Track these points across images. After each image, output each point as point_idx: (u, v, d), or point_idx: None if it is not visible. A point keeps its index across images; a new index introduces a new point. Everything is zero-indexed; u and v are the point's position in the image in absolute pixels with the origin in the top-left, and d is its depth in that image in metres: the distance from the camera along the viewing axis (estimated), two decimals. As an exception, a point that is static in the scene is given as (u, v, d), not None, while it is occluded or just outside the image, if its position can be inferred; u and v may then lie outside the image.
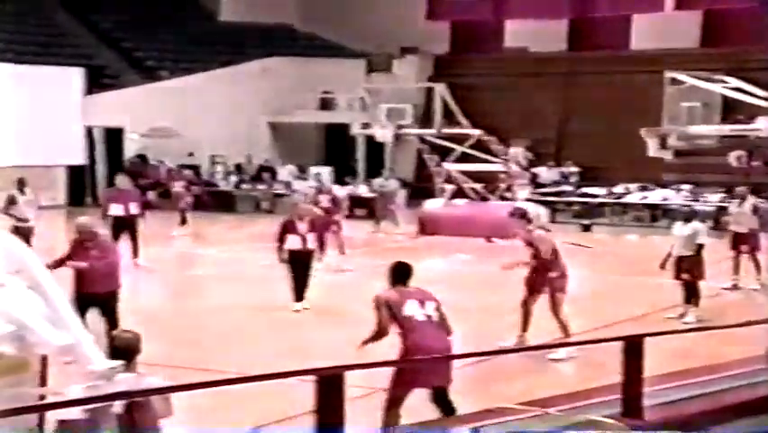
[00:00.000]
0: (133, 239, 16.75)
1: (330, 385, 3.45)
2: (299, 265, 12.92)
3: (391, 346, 6.95)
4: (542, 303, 10.62)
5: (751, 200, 15.94)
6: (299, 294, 12.86)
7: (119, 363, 4.46)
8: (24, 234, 15.50)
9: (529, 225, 11.05)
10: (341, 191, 21.05)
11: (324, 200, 17.71)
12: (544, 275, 10.55)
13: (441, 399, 6.82)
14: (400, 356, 6.83)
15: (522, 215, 11.41)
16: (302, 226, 13.03)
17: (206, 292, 14.72)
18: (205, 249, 20.23)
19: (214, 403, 7.11)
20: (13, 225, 15.56)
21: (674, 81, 23.57)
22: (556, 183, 28.14)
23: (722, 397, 4.92)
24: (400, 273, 7.27)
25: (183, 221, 21.99)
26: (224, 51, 31.61)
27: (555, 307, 10.42)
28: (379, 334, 7.02)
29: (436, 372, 6.89)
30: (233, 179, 30.03)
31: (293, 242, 12.92)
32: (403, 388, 6.78)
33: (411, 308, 6.98)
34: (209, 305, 13.39)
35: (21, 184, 16.47)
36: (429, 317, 6.99)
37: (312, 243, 13.02)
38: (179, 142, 29.01)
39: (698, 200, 24.31)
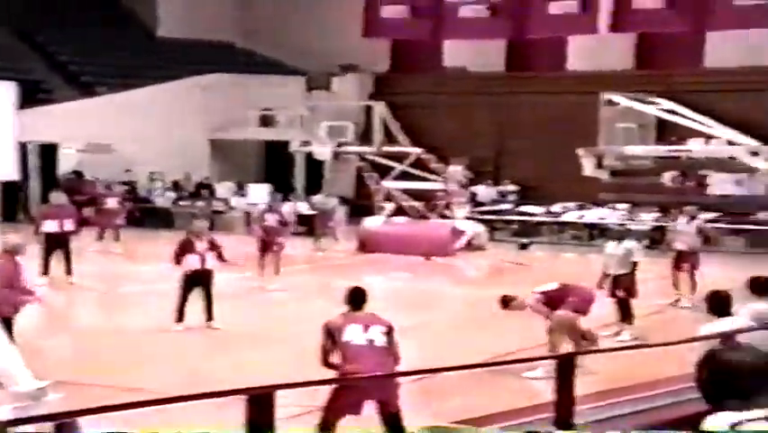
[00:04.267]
0: (67, 257, 16.47)
1: (260, 404, 3.42)
2: (196, 286, 12.74)
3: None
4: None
5: (697, 220, 16.40)
6: (181, 315, 12.68)
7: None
8: None
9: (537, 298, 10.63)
10: (289, 211, 20.86)
11: (272, 219, 17.54)
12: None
13: (391, 424, 6.71)
14: (336, 390, 6.75)
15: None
16: (200, 245, 12.88)
17: (140, 309, 14.52)
18: (140, 265, 19.97)
19: (152, 424, 6.99)
20: None
21: (610, 102, 23.98)
22: (495, 202, 28.35)
23: (651, 415, 4.99)
24: (354, 298, 7.26)
25: (108, 237, 21.77)
26: (162, 67, 31.31)
27: (557, 329, 10.28)
28: (323, 360, 6.98)
29: (371, 397, 6.75)
30: (171, 195, 29.73)
31: (191, 261, 12.76)
32: (334, 413, 6.69)
33: (351, 334, 6.91)
34: (142, 322, 13.21)
35: None
36: (371, 341, 6.91)
37: (211, 261, 12.88)
38: (116, 158, 28.67)
39: (633, 219, 24.69)
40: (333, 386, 6.72)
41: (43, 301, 9.74)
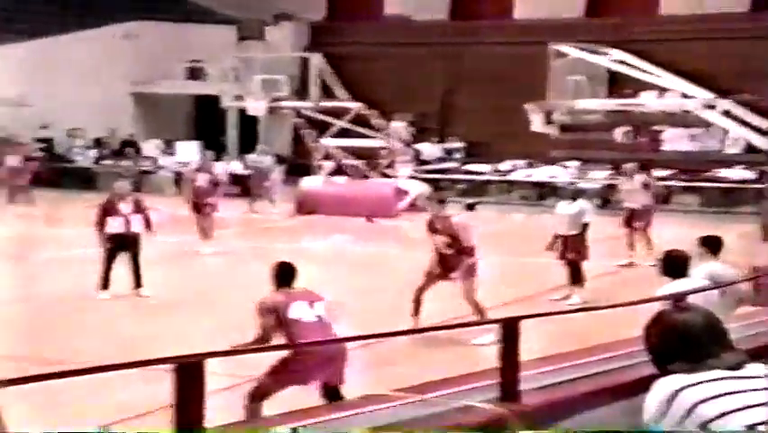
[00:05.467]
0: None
1: (189, 374, 3.43)
2: (122, 251, 12.68)
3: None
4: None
5: (639, 177, 16.67)
6: (107, 282, 12.64)
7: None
8: None
9: (445, 212, 11.09)
10: (221, 171, 20.74)
11: (201, 180, 17.37)
12: (457, 262, 10.66)
13: (332, 397, 6.79)
14: (287, 358, 6.79)
15: (440, 200, 11.47)
16: (125, 207, 12.78)
17: (61, 276, 14.37)
18: (61, 229, 19.72)
19: (77, 397, 6.99)
20: None
21: (559, 54, 24.08)
22: (440, 159, 28.47)
23: (601, 379, 5.10)
24: (284, 275, 7.22)
25: (22, 199, 21.42)
26: (79, 14, 30.58)
27: (470, 292, 10.58)
28: (262, 340, 6.91)
29: (323, 370, 6.84)
30: (93, 154, 29.33)
31: (115, 224, 12.67)
32: (280, 384, 6.75)
33: (298, 311, 6.93)
34: (65, 290, 13.09)
35: None
36: (320, 318, 6.97)
37: (137, 225, 12.79)
38: (31, 113, 28.11)
39: (584, 178, 24.97)
40: (282, 357, 6.74)
41: None
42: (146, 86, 30.65)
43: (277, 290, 7.15)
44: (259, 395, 6.75)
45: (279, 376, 6.76)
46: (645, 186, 16.64)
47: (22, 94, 27.81)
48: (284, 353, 6.87)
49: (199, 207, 16.96)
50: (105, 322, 11.45)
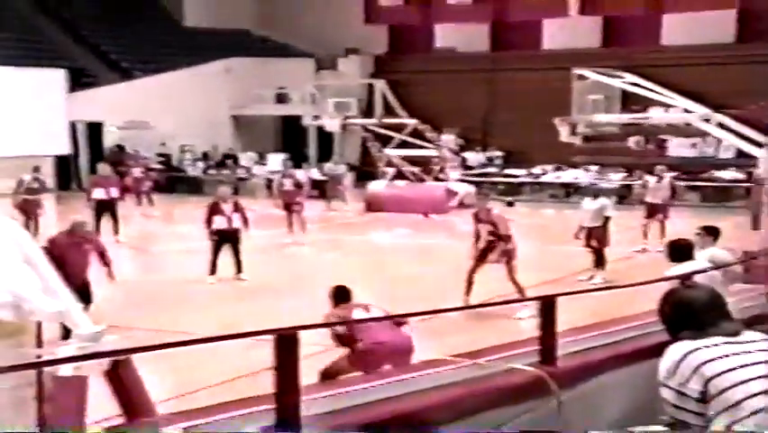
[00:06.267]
0: (114, 219, 16.66)
1: (287, 343, 3.50)
2: (226, 243, 12.80)
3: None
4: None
5: (668, 177, 16.52)
6: (214, 268, 12.75)
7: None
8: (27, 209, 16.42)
9: (488, 205, 11.15)
10: (303, 175, 20.93)
11: (288, 184, 17.57)
12: (498, 249, 10.66)
13: None
14: (356, 354, 6.40)
15: (485, 195, 11.57)
16: (227, 207, 12.92)
17: (178, 264, 14.62)
18: (176, 226, 20.06)
19: (191, 362, 7.12)
20: (23, 199, 16.58)
21: (580, 77, 23.90)
22: (483, 165, 28.34)
23: (621, 346, 5.09)
24: (341, 295, 6.96)
25: (145, 202, 21.90)
26: (189, 53, 31.14)
27: (512, 273, 10.58)
28: (343, 344, 6.55)
29: (389, 361, 6.36)
30: (201, 165, 29.75)
31: (219, 222, 12.81)
32: (349, 368, 6.38)
33: (358, 314, 6.65)
34: (181, 275, 13.31)
35: (35, 170, 17.73)
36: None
37: (237, 222, 12.90)
38: (153, 133, 28.66)
39: (603, 179, 24.73)
40: (355, 348, 6.44)
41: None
42: (242, 109, 31.02)
43: (335, 307, 6.90)
44: (330, 375, 6.36)
45: (352, 363, 6.44)
46: (672, 185, 16.51)
47: (147, 118, 28.43)
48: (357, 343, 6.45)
49: (289, 207, 17.15)
50: (213, 301, 11.63)
